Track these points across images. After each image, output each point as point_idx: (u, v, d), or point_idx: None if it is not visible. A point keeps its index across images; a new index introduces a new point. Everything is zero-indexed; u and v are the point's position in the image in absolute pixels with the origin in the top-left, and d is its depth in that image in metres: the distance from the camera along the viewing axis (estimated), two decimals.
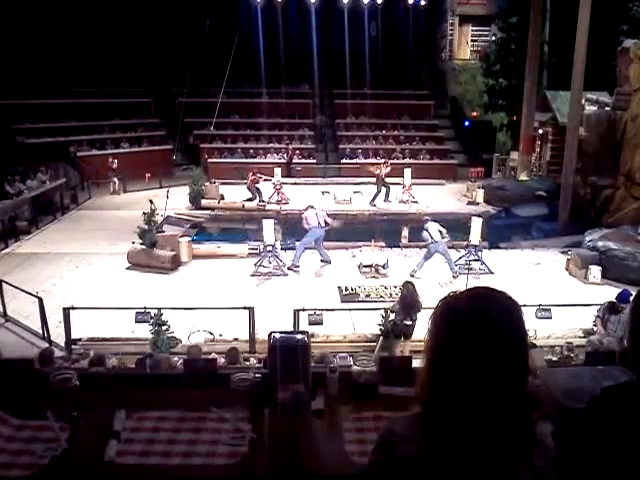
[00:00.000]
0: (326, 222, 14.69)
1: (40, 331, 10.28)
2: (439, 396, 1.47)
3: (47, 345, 9.42)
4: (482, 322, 1.45)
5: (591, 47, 18.23)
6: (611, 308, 9.25)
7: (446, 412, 1.45)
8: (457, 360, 1.44)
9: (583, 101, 19.99)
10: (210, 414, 3.29)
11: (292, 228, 18.35)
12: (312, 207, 14.86)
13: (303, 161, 26.72)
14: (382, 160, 22.08)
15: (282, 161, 25.43)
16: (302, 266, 14.33)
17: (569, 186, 18.53)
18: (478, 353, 1.42)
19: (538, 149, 24.87)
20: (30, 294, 10.64)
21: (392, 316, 9.72)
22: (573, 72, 18.29)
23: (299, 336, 3.68)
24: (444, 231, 13.77)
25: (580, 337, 10.17)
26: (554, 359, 8.19)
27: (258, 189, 20.40)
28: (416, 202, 20.84)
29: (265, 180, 20.73)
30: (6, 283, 11.39)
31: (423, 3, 32.31)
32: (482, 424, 1.42)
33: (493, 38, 30.27)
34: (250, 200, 20.33)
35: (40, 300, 10.26)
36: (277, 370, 3.42)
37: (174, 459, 2.91)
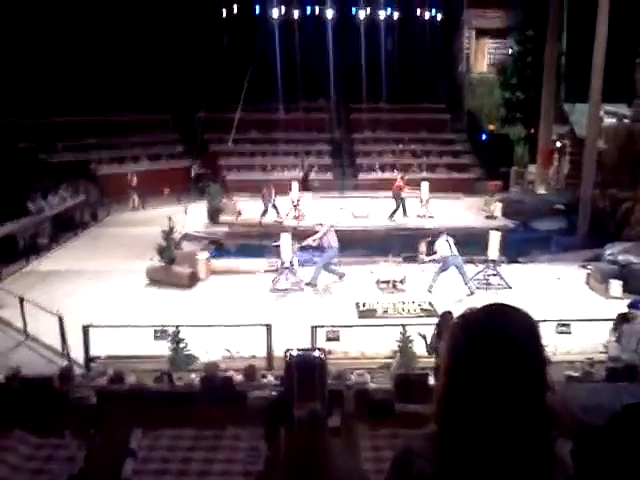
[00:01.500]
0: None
1: (60, 349, 10.36)
2: (455, 413, 1.46)
3: (67, 363, 9.49)
4: (499, 338, 1.44)
5: (609, 59, 18.12)
6: (623, 318, 9.24)
7: (463, 430, 1.44)
8: (474, 377, 1.43)
9: (601, 113, 19.85)
10: (226, 432, 3.30)
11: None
12: (331, 225, 14.84)
13: (320, 176, 26.79)
14: (399, 175, 21.98)
15: (300, 176, 25.48)
16: (319, 283, 14.35)
17: (588, 199, 18.36)
18: (496, 370, 1.41)
19: (556, 162, 24.70)
20: (50, 312, 10.74)
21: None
22: (591, 84, 18.18)
23: (316, 353, 3.67)
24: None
25: (601, 352, 10.03)
26: (574, 375, 8.07)
27: (275, 205, 20.42)
28: (432, 217, 20.73)
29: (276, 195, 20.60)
30: (27, 301, 11.52)
31: (440, 17, 32.46)
32: (500, 442, 1.41)
33: (510, 51, 30.21)
34: (264, 214, 20.29)
35: (60, 318, 10.36)
36: (293, 388, 3.42)
37: (189, 478, 2.92)
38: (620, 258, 13.92)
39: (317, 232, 14.58)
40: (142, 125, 27.80)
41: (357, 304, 12.86)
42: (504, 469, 1.40)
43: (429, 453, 1.49)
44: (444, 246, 13.46)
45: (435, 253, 13.79)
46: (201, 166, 27.22)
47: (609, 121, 20.67)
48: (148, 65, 26.39)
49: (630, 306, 9.46)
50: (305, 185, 24.78)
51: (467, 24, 32.21)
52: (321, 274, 14.36)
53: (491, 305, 1.55)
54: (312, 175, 26.43)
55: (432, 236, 14.34)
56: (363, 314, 12.40)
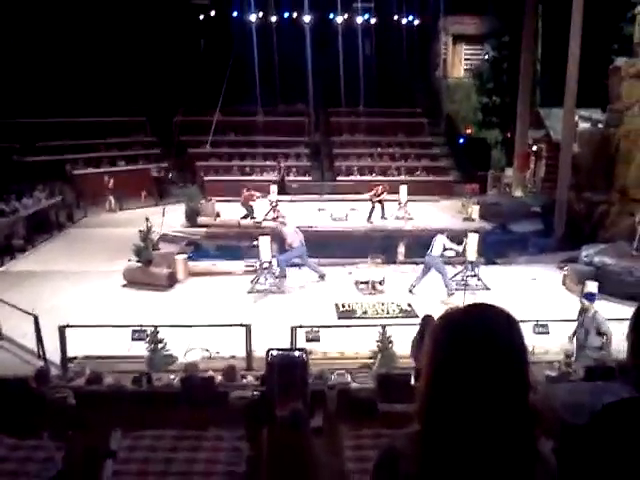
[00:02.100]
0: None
1: (36, 350, 10.21)
2: (438, 413, 1.45)
3: (43, 364, 9.35)
4: (482, 338, 1.44)
5: (583, 65, 18.43)
6: (581, 311, 9.64)
7: (446, 429, 1.43)
8: (457, 376, 1.42)
9: (576, 118, 20.15)
10: (207, 433, 3.26)
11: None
12: (284, 223, 14.99)
13: (299, 178, 26.79)
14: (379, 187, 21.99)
15: (277, 178, 25.44)
16: (299, 283, 14.41)
17: (564, 202, 18.61)
18: (478, 368, 1.40)
19: (532, 165, 25.02)
20: (26, 312, 10.57)
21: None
22: (566, 90, 18.45)
23: (297, 353, 3.66)
24: (450, 245, 13.67)
25: None
26: (553, 374, 8.15)
27: (252, 206, 20.42)
28: (411, 219, 20.89)
29: (258, 197, 20.69)
30: (2, 301, 11.33)
31: (417, 23, 32.73)
32: (483, 441, 1.40)
33: (486, 57, 30.56)
34: (245, 217, 20.35)
35: (35, 318, 10.20)
36: (275, 388, 3.40)
37: (171, 479, 2.88)
38: (595, 260, 14.12)
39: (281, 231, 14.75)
40: (119, 127, 27.51)
41: (337, 305, 12.88)
42: (488, 468, 1.40)
43: (413, 453, 1.48)
44: (437, 245, 13.48)
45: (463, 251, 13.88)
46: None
47: (583, 126, 20.99)
48: (126, 68, 26.15)
49: (583, 297, 9.80)
50: (282, 187, 24.73)
51: (444, 30, 32.52)
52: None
53: (472, 305, 1.56)
54: (289, 177, 26.41)
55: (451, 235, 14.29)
56: (343, 315, 12.41)
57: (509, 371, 1.43)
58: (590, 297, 9.73)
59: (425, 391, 1.49)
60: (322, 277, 14.64)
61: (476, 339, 1.44)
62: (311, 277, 14.78)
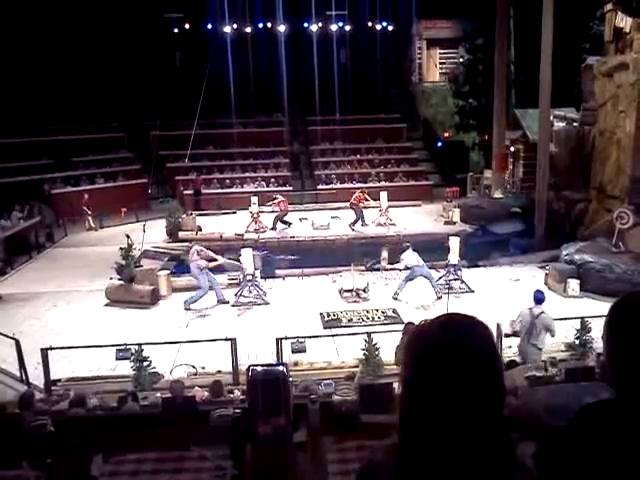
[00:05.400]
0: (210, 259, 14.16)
1: (18, 374, 10.06)
2: (415, 424, 1.45)
3: (26, 388, 9.21)
4: (454, 348, 1.44)
5: (556, 65, 18.64)
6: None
7: (422, 440, 1.43)
8: (431, 388, 1.42)
9: (551, 118, 20.36)
10: (190, 453, 3.23)
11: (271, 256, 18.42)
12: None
13: (280, 189, 26.74)
14: (359, 191, 22.03)
15: (259, 190, 25.37)
16: (281, 294, 14.37)
17: (543, 202, 18.76)
18: (452, 379, 1.40)
19: (511, 166, 25.21)
20: (6, 336, 10.42)
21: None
22: (540, 90, 18.64)
23: (279, 369, 3.64)
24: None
25: (562, 351, 10.24)
26: (538, 375, 8.18)
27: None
28: (394, 224, 20.96)
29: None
30: None
31: (391, 28, 32.97)
32: (461, 451, 1.40)
33: (461, 60, 30.81)
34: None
35: (17, 342, 10.06)
36: (258, 404, 3.37)
37: None
38: (576, 257, 14.25)
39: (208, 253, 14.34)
40: (97, 144, 27.32)
41: (322, 314, 12.85)
42: (466, 478, 1.40)
43: (392, 465, 1.47)
44: (411, 257, 13.60)
45: (399, 262, 13.98)
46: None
47: (559, 125, 21.22)
48: (102, 83, 26.05)
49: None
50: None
51: (418, 35, 32.83)
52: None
53: (445, 315, 1.56)
54: (269, 187, 26.38)
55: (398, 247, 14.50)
56: (328, 324, 12.39)
57: (483, 380, 1.42)
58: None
59: (402, 404, 1.49)
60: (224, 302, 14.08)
61: (448, 350, 1.43)
62: (298, 288, 14.74)
